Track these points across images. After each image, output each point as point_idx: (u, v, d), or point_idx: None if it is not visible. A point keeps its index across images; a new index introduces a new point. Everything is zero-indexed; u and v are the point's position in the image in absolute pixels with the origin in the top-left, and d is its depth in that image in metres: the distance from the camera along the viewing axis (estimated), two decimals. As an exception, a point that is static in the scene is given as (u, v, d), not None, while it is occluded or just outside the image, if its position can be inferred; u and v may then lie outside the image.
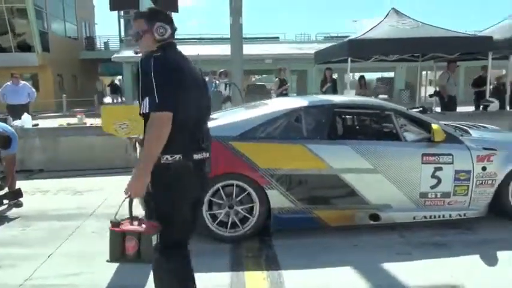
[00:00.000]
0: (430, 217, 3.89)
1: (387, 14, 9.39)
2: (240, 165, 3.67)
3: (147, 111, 1.95)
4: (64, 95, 20.42)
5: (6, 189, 4.99)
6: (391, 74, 27.50)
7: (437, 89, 9.97)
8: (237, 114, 4.19)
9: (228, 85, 9.06)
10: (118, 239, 1.99)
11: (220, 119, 3.98)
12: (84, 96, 24.65)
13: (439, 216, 3.90)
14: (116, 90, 25.46)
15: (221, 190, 3.67)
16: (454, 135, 3.99)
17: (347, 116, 4.67)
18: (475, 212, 3.95)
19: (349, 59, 8.44)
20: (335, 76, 11.62)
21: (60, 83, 24.83)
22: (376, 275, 3.09)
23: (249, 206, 3.70)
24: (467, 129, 4.45)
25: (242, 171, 3.65)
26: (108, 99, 31.97)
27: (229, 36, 8.22)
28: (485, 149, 3.93)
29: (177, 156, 2.04)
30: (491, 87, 9.03)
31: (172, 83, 1.97)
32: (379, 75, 29.65)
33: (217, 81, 9.50)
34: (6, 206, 4.93)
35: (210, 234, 3.70)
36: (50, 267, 3.33)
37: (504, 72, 12.16)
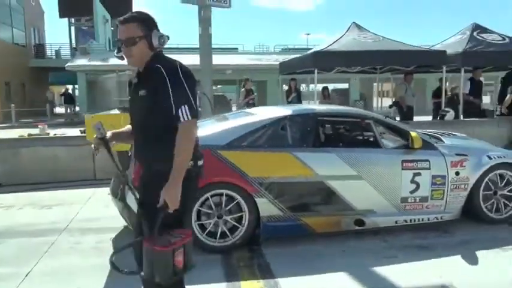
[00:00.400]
0: (411, 221, 4.05)
1: (348, 28, 9.76)
2: (229, 174, 3.65)
3: (189, 118, 1.93)
4: (12, 105, 19.25)
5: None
6: (345, 86, 28.46)
7: (394, 99, 10.45)
8: (221, 123, 4.17)
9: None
10: (169, 257, 1.87)
11: (206, 128, 3.94)
12: (33, 106, 23.41)
13: (419, 220, 4.07)
14: (69, 99, 24.41)
15: (210, 200, 3.62)
16: (430, 142, 4.21)
17: (330, 125, 4.79)
18: (450, 214, 4.17)
19: (315, 70, 8.67)
20: (300, 87, 11.86)
21: (7, 92, 23.41)
22: (369, 279, 3.17)
23: (238, 215, 3.68)
24: (440, 136, 4.70)
25: (231, 180, 3.64)
26: (61, 109, 30.63)
27: (196, 46, 8.19)
28: (457, 154, 4.18)
29: (190, 163, 2.03)
30: (446, 98, 9.62)
31: (194, 91, 2.00)
32: (332, 86, 30.61)
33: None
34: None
35: (199, 244, 3.63)
36: (30, 287, 3.11)
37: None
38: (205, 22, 7.85)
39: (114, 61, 21.39)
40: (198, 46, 8.07)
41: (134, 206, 3.54)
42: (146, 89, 2.02)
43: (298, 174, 3.78)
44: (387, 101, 21.59)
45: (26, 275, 3.29)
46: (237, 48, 27.76)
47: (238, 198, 3.64)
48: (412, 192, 4.04)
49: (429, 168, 4.06)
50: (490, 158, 4.23)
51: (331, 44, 8.91)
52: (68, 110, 23.36)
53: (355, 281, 3.12)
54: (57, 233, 4.31)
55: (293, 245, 3.83)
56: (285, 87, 12.10)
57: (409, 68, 10.12)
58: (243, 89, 10.17)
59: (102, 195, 5.87)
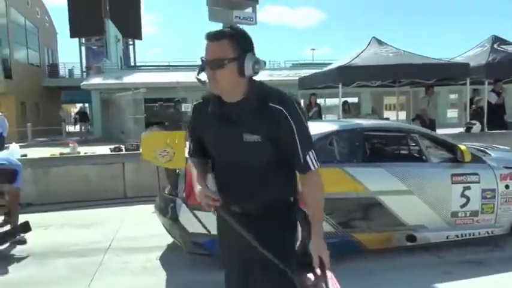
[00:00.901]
0: (462, 236, 3.98)
1: (369, 43, 9.79)
2: (281, 190, 3.62)
3: (318, 165, 1.73)
4: (29, 124, 19.44)
5: (7, 226, 4.63)
6: (355, 99, 28.45)
7: (418, 112, 10.42)
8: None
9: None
10: None
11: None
12: (46, 125, 23.63)
13: (470, 235, 4.00)
14: (84, 117, 24.62)
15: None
16: (478, 155, 4.17)
17: (376, 139, 4.76)
18: (501, 229, 4.09)
19: (340, 85, 8.69)
20: (319, 101, 11.88)
21: (23, 111, 23.69)
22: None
23: (290, 232, 3.63)
24: (484, 149, 4.65)
25: (284, 197, 3.60)
26: (71, 128, 30.88)
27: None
28: (506, 167, 4.13)
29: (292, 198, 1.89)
30: (471, 110, 9.58)
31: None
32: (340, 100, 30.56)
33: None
34: (7, 244, 4.54)
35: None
36: (90, 308, 3.09)
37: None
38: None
39: (128, 79, 21.69)
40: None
41: (188, 225, 3.55)
42: (259, 134, 1.64)
43: (349, 190, 3.74)
44: (402, 114, 21.57)
45: (82, 296, 3.26)
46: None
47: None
48: (462, 206, 3.98)
49: (479, 182, 4.00)
50: (541, 170, 4.17)
51: (354, 59, 8.92)
52: (83, 128, 23.54)
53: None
54: (101, 252, 4.30)
55: (341, 262, 3.75)
56: (301, 101, 12.09)
57: (430, 81, 10.12)
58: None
59: (136, 213, 5.88)
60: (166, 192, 4.42)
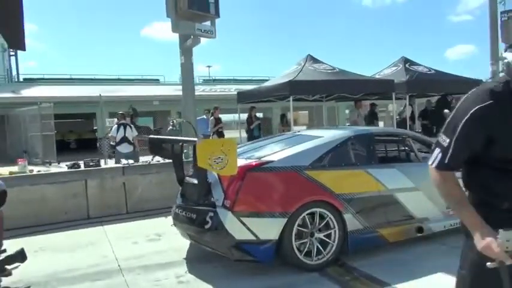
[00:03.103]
0: (454, 224, 4.59)
1: (306, 59, 10.53)
2: (320, 192, 3.81)
3: None
4: None
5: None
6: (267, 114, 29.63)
7: (348, 123, 11.46)
8: (287, 145, 4.28)
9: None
10: None
11: (281, 152, 4.05)
12: None
13: (459, 223, 4.64)
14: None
15: (307, 218, 3.72)
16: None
17: (383, 143, 5.21)
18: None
19: (291, 98, 9.19)
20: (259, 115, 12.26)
21: None
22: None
23: (328, 232, 3.83)
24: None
25: (324, 198, 3.80)
26: None
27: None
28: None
29: None
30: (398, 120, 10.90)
31: None
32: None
33: (174, 121, 9.19)
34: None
35: (297, 265, 3.69)
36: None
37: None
38: (187, 51, 7.87)
39: (29, 92, 19.50)
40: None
41: (235, 232, 3.52)
42: None
43: (373, 189, 4.09)
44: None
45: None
46: (158, 80, 27.33)
47: (329, 215, 3.81)
48: (453, 198, 4.61)
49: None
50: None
51: (297, 75, 9.50)
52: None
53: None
54: (115, 273, 3.94)
55: (371, 256, 4.07)
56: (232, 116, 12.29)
57: (357, 96, 11.25)
58: (212, 118, 10.19)
59: (116, 232, 5.46)
60: (182, 203, 4.27)
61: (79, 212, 6.26)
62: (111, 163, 8.54)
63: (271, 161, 3.79)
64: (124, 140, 8.68)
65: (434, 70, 11.50)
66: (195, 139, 3.81)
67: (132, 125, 8.93)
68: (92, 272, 4.01)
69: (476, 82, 11.39)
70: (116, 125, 8.87)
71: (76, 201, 6.26)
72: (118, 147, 8.65)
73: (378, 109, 11.94)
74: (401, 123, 10.60)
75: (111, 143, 8.82)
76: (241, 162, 3.63)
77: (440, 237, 4.53)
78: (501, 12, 11.66)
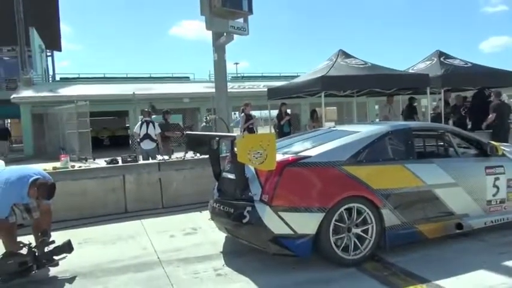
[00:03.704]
0: (495, 221, 4.48)
1: (338, 55, 10.43)
2: (358, 188, 3.80)
3: None
4: None
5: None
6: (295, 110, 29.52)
7: (379, 119, 11.27)
8: (324, 141, 4.27)
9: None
10: None
11: (318, 147, 4.05)
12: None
13: (501, 220, 4.52)
14: (3, 134, 21.94)
15: (344, 213, 3.72)
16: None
17: (422, 138, 5.14)
18: (521, 214, 4.68)
19: (322, 93, 9.14)
20: (289, 111, 12.25)
21: None
22: (508, 270, 3.48)
23: (366, 227, 3.81)
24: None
25: (362, 193, 3.78)
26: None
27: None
28: (522, 160, 4.75)
29: None
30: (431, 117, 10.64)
31: None
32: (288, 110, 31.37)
33: (208, 117, 9.39)
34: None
35: (335, 260, 3.70)
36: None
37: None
38: (220, 49, 7.95)
39: (66, 91, 20.22)
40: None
41: (273, 227, 3.56)
42: None
43: (411, 185, 4.04)
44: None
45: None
46: (188, 77, 27.69)
47: (367, 210, 3.79)
48: (494, 195, 4.49)
49: (504, 173, 4.55)
50: (545, 161, 4.85)
51: (330, 69, 9.43)
52: (4, 146, 21.11)
53: (499, 274, 3.42)
54: (155, 265, 4.07)
55: (408, 252, 4.02)
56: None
57: (389, 91, 11.05)
58: (242, 114, 10.28)
59: (153, 225, 5.61)
60: (219, 197, 4.35)
61: (118, 206, 6.48)
62: (141, 159, 8.80)
63: (309, 156, 3.80)
64: (146, 136, 8.97)
65: (471, 63, 11.14)
66: (234, 134, 3.88)
67: (155, 122, 9.17)
68: (133, 263, 4.16)
69: (515, 75, 10.97)
70: (140, 122, 9.18)
71: (115, 195, 6.48)
72: (141, 144, 8.95)
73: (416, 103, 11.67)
74: (436, 118, 10.32)
75: (137, 139, 9.14)
76: (278, 157, 3.66)
77: (479, 234, 4.43)
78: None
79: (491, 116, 8.92)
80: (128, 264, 4.13)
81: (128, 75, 27.25)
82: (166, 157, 7.28)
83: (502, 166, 4.57)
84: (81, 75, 26.07)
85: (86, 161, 13.13)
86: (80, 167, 6.76)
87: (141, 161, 7.58)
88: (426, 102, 11.22)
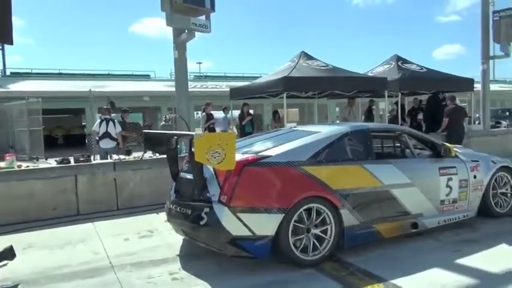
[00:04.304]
0: (448, 220, 4.61)
1: (300, 56, 10.50)
2: (318, 188, 3.77)
3: None
4: None
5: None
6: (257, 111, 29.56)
7: (339, 121, 11.46)
8: (284, 141, 4.22)
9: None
10: None
11: (279, 147, 3.99)
12: None
13: (453, 219, 4.66)
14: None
15: (303, 214, 3.68)
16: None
17: (379, 139, 5.19)
18: (471, 212, 4.85)
19: (284, 94, 9.15)
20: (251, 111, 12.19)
21: None
22: (461, 269, 3.56)
23: (325, 228, 3.79)
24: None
25: (321, 194, 3.76)
26: None
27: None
28: (472, 161, 4.93)
29: None
30: (389, 118, 10.93)
31: None
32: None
33: (167, 116, 9.09)
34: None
35: (293, 261, 3.65)
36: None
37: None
38: (181, 46, 7.75)
39: (16, 87, 19.12)
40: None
41: (232, 228, 3.46)
42: None
43: (369, 185, 4.07)
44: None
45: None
46: (149, 75, 27.04)
47: (326, 210, 3.77)
48: (447, 195, 4.62)
49: (457, 174, 4.70)
50: (494, 162, 5.07)
51: (291, 71, 9.46)
52: None
53: (453, 272, 3.49)
54: (107, 271, 3.85)
55: (365, 251, 4.04)
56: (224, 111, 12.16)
57: (349, 93, 11.26)
58: (203, 113, 10.10)
59: (107, 228, 5.35)
60: (176, 198, 4.20)
61: (68, 208, 6.13)
62: (98, 159, 8.40)
63: (269, 156, 3.74)
64: (106, 135, 8.56)
65: (426, 68, 11.57)
66: (192, 133, 3.74)
67: (115, 120, 8.79)
68: (83, 269, 3.92)
69: (467, 80, 11.53)
70: (99, 120, 8.76)
71: (65, 197, 6.13)
72: (100, 142, 8.53)
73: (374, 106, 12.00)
74: (393, 121, 10.63)
75: (95, 138, 8.69)
76: (238, 157, 3.56)
77: (433, 233, 4.53)
78: (493, 12, 11.74)
79: (445, 120, 9.28)
80: (77, 270, 3.89)
81: (85, 72, 26.23)
82: (122, 156, 6.98)
83: (454, 167, 4.71)
84: (34, 71, 24.72)
85: (37, 160, 12.45)
86: (27, 166, 6.35)
87: (95, 161, 7.24)
88: (384, 105, 11.51)
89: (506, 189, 5.18)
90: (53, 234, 5.20)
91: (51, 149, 16.00)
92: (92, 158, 8.13)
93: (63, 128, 25.24)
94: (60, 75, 24.66)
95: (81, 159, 6.36)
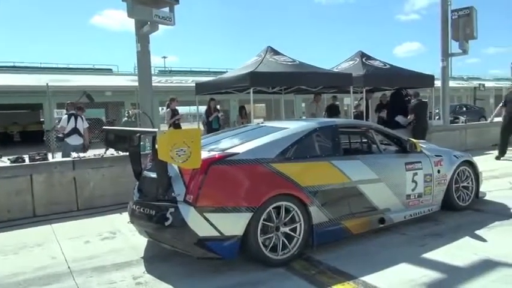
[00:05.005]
0: (414, 215, 4.68)
1: (267, 51, 10.41)
2: (286, 185, 3.70)
3: None
4: None
5: None
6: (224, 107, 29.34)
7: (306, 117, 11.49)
8: (252, 137, 4.12)
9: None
10: None
11: (246, 143, 3.88)
12: None
13: (418, 213, 4.73)
14: None
15: (272, 212, 3.60)
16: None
17: (347, 135, 5.16)
18: (436, 206, 4.95)
19: (251, 89, 9.03)
20: (218, 107, 11.99)
21: None
22: (428, 263, 3.60)
23: (294, 226, 3.73)
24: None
25: (290, 191, 3.69)
26: None
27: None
28: (436, 156, 5.02)
29: None
30: (354, 113, 11.06)
31: None
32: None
33: (130, 111, 8.72)
34: None
35: (262, 260, 3.56)
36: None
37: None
38: (144, 39, 7.48)
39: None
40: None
41: (198, 229, 3.34)
42: None
43: (338, 181, 4.04)
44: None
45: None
46: (111, 69, 26.17)
47: (295, 208, 3.71)
48: (413, 190, 4.68)
49: (422, 168, 4.77)
50: (456, 157, 5.19)
51: (258, 66, 9.36)
52: None
53: (420, 267, 3.52)
54: (65, 277, 3.63)
55: (334, 248, 4.02)
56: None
57: (315, 89, 11.32)
58: (168, 109, 9.82)
59: (65, 231, 5.08)
60: (139, 198, 4.01)
61: (24, 210, 5.80)
62: (59, 157, 7.97)
63: (236, 153, 3.62)
64: (74, 131, 8.19)
65: (389, 65, 11.81)
66: (155, 130, 3.56)
67: (83, 116, 8.42)
68: (38, 275, 3.67)
69: (428, 77, 11.87)
70: (66, 115, 8.33)
71: (20, 198, 5.78)
72: (67, 139, 8.12)
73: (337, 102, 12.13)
74: (358, 116, 10.78)
75: (59, 134, 8.24)
76: (204, 154, 3.42)
77: (400, 227, 4.59)
78: (452, 11, 12.12)
79: (411, 116, 9.48)
80: (32, 277, 3.63)
81: (42, 65, 25.02)
82: (82, 154, 6.65)
83: (420, 162, 4.78)
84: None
85: (-10, 159, 11.72)
86: (-23, 165, 5.91)
87: (53, 159, 6.86)
88: (349, 101, 11.66)
89: (468, 183, 5.32)
90: (6, 239, 4.88)
91: (6, 147, 15.22)
92: (51, 156, 7.72)
93: (19, 124, 24.07)
94: (14, 68, 23.39)
95: (37, 157, 5.99)
